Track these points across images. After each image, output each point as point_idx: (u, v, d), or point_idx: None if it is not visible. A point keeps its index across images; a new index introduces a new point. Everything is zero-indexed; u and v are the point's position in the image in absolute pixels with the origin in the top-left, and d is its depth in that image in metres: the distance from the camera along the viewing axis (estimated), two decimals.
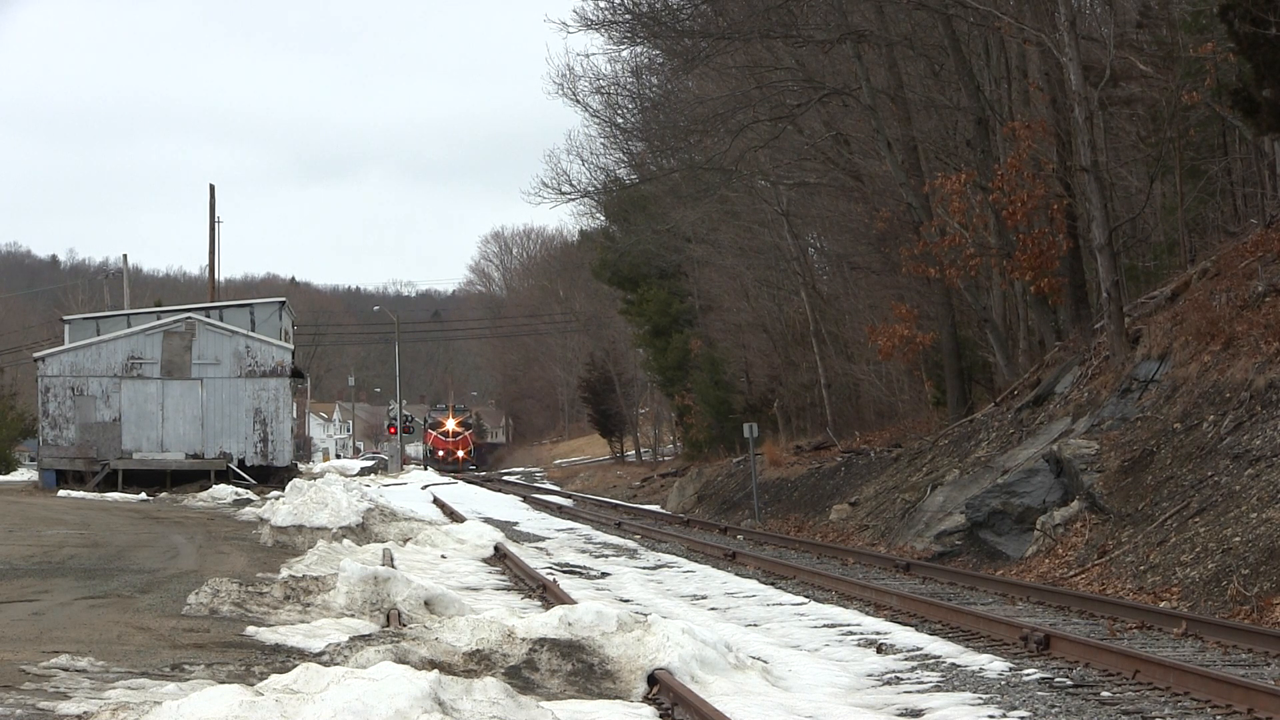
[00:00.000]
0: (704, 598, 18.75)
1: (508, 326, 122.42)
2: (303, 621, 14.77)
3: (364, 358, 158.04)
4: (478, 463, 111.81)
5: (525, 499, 49.51)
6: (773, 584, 20.16)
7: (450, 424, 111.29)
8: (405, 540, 25.84)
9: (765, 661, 12.78)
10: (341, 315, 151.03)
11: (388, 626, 14.19)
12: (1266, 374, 18.74)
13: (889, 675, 12.39)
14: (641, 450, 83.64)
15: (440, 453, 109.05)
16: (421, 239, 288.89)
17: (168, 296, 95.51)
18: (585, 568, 23.10)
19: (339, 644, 12.12)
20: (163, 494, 45.54)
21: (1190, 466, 18.67)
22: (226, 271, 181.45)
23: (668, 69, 44.45)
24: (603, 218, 68.96)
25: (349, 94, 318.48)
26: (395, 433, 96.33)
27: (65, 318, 55.06)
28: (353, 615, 15.20)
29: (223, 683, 10.40)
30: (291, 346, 51.73)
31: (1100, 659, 12.23)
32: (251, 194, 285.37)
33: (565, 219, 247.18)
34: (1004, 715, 10.38)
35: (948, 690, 11.46)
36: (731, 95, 36.86)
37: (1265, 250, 22.76)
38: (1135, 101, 30.08)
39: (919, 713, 10.78)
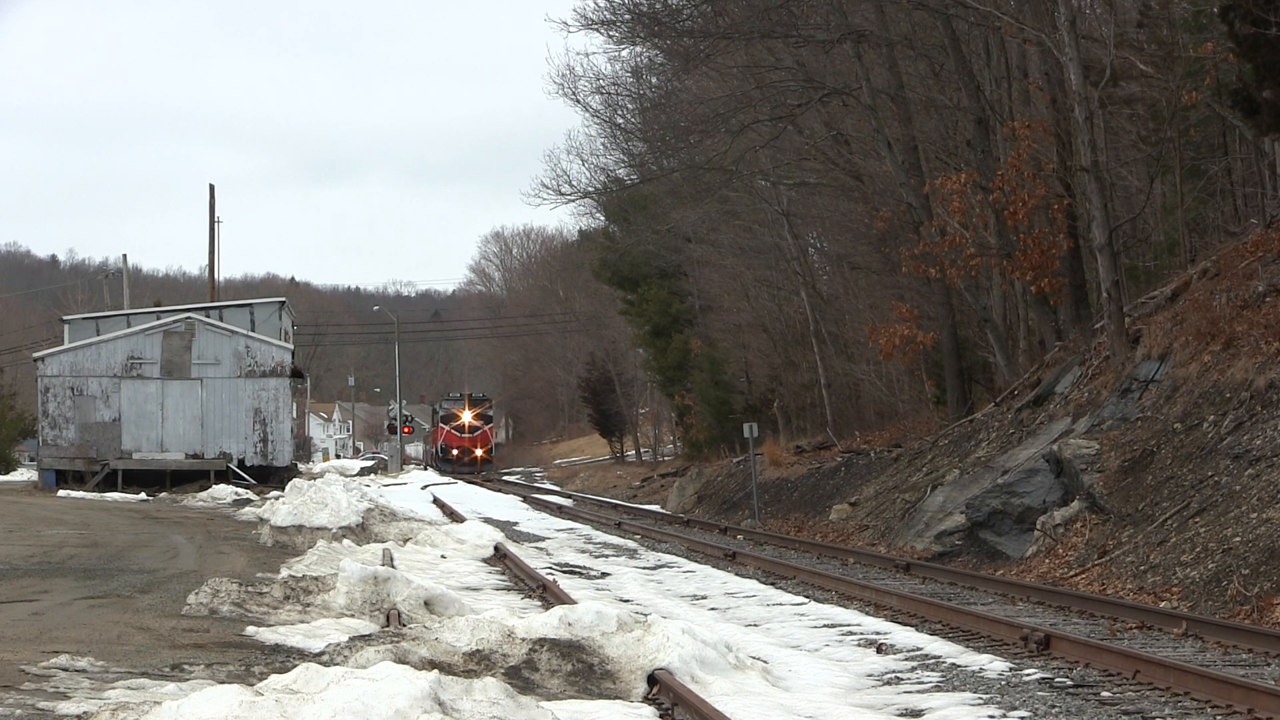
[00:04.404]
0: (704, 598, 18.74)
1: (508, 326, 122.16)
2: (303, 621, 14.76)
3: (364, 358, 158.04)
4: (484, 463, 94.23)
5: (525, 499, 49.49)
6: (773, 584, 20.15)
7: (467, 416, 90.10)
8: (405, 540, 25.83)
9: (765, 661, 12.77)
10: (341, 315, 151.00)
11: (388, 626, 14.18)
12: (1266, 374, 18.74)
13: (889, 675, 12.38)
14: (641, 450, 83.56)
15: (454, 451, 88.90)
16: (421, 239, 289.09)
17: (168, 296, 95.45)
18: (585, 568, 23.08)
19: (339, 644, 12.11)
20: (162, 494, 45.56)
21: (1190, 466, 18.66)
22: (226, 271, 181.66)
23: (668, 69, 44.43)
24: (603, 218, 69.00)
25: (350, 95, 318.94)
26: (395, 432, 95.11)
27: (65, 318, 55.09)
28: (353, 615, 15.20)
29: (223, 683, 10.40)
30: (291, 346, 51.77)
31: (1100, 659, 12.22)
32: (252, 194, 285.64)
33: (565, 219, 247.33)
34: (1004, 715, 10.37)
35: (948, 690, 11.45)
36: (731, 95, 36.87)
37: (1265, 250, 22.75)
38: (1135, 101, 30.07)
39: (919, 713, 10.77)
